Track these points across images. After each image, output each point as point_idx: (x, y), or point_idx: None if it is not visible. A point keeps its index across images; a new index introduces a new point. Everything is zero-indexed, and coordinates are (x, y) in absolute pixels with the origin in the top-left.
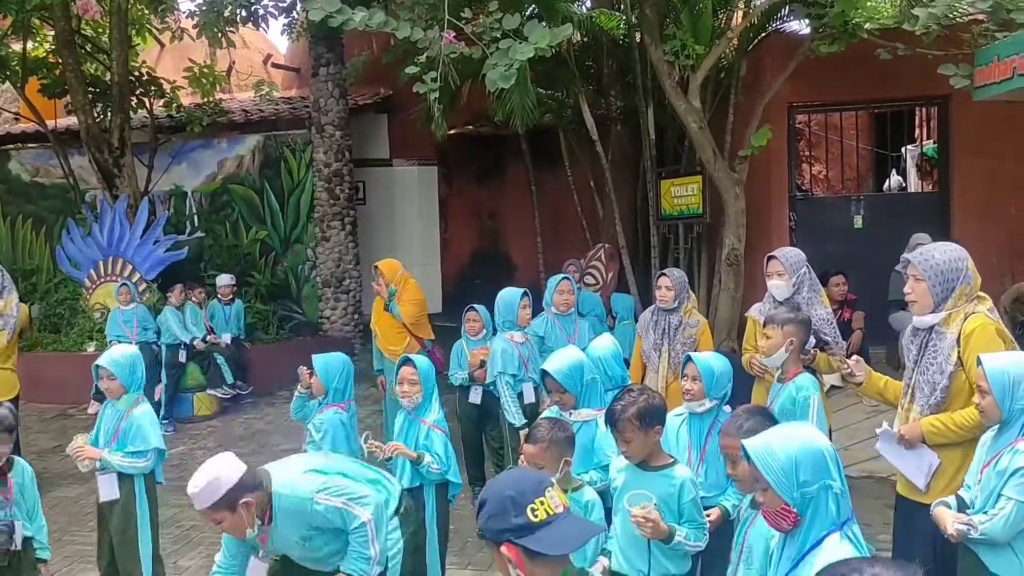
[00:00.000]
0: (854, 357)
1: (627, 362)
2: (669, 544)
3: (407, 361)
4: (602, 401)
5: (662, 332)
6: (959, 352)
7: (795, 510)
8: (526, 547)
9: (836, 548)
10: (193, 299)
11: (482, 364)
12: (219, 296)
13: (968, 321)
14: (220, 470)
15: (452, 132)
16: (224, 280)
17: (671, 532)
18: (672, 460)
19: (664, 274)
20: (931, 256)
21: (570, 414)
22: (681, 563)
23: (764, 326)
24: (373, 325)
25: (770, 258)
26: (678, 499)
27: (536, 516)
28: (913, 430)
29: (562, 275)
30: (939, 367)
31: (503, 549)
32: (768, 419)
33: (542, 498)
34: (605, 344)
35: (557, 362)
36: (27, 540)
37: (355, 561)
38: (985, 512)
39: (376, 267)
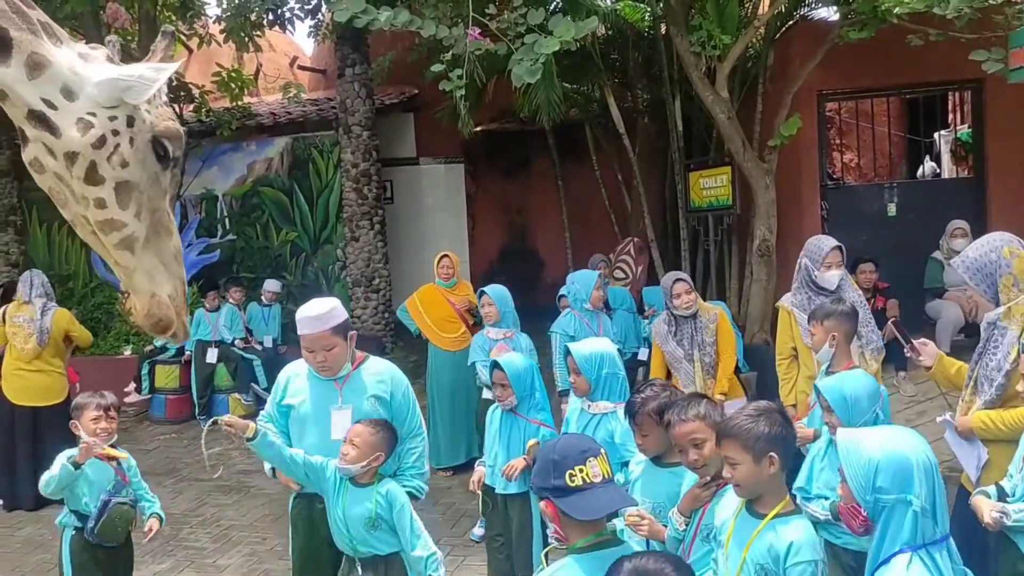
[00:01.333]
0: (921, 340)
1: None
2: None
3: (496, 365)
4: (622, 396)
5: (690, 340)
6: (1020, 350)
7: (865, 513)
8: (559, 506)
9: (903, 570)
10: (231, 300)
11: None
12: (262, 298)
13: None
14: (335, 302)
15: (478, 129)
16: (271, 286)
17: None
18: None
19: (680, 279)
20: (966, 256)
21: (588, 406)
22: None
23: (808, 322)
24: (419, 310)
25: (835, 248)
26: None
27: (572, 481)
28: (965, 423)
29: (597, 273)
30: (997, 364)
31: (542, 504)
32: (712, 406)
33: (582, 466)
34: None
35: (582, 345)
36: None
37: (412, 477)
38: None
39: (446, 255)
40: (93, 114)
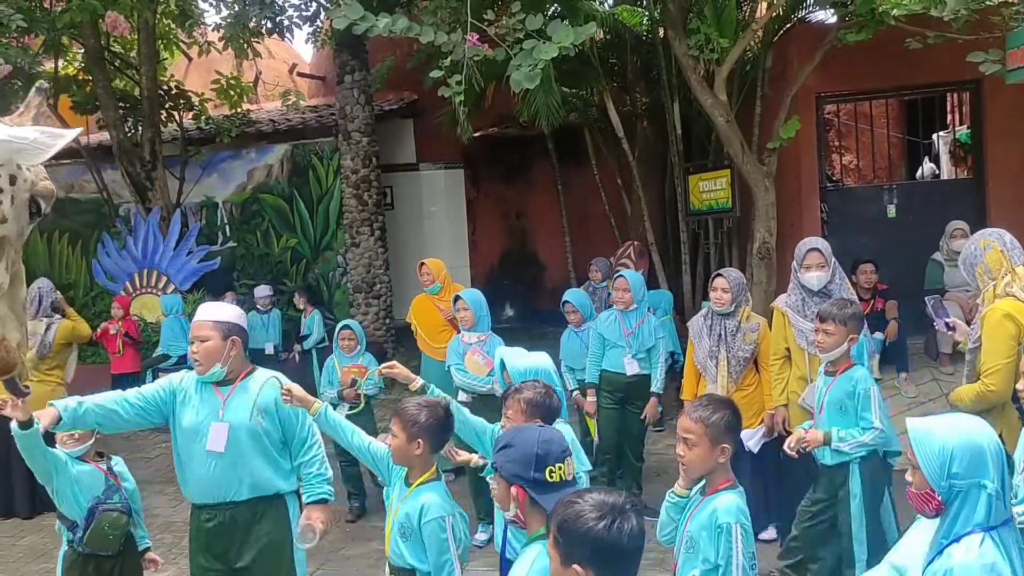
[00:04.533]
0: (953, 319)
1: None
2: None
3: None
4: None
5: (718, 338)
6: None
7: (939, 498)
8: (532, 497)
9: (974, 548)
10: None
11: (353, 383)
12: (258, 307)
13: (987, 304)
14: (239, 311)
15: (478, 134)
16: (262, 292)
17: None
18: None
19: (720, 275)
20: (962, 251)
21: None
22: None
23: (822, 322)
24: (413, 322)
25: (812, 250)
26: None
27: (552, 477)
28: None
29: (617, 274)
30: (972, 346)
31: (513, 490)
32: (734, 412)
33: (561, 464)
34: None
35: (517, 360)
36: (129, 534)
37: (320, 484)
38: None
39: (423, 263)
40: None
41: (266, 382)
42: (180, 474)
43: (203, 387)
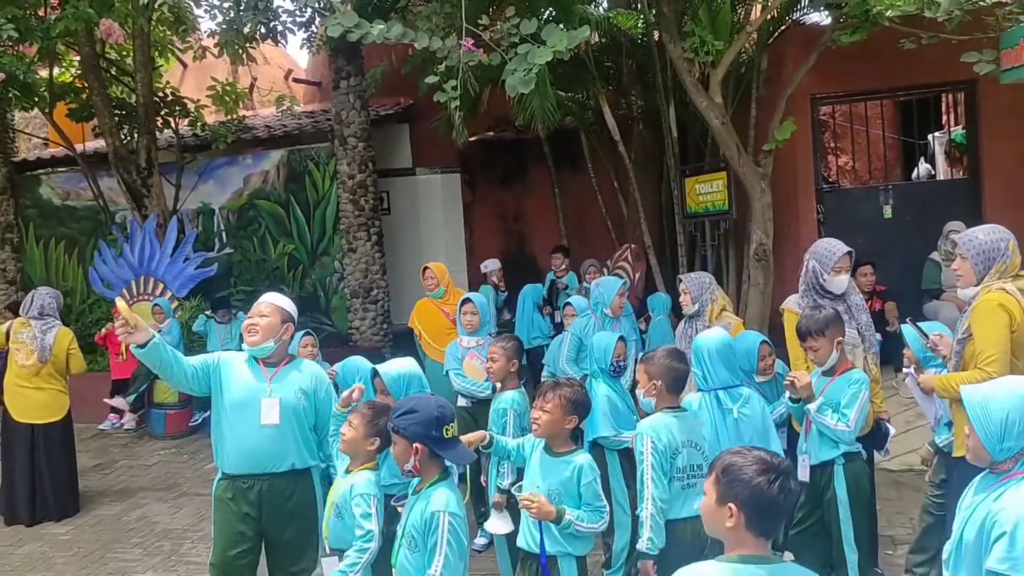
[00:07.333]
0: (937, 333)
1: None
2: (560, 525)
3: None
4: None
5: (689, 340)
6: (969, 323)
7: (991, 457)
8: (432, 450)
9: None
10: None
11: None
12: (493, 281)
13: (982, 295)
14: (293, 307)
15: (474, 138)
16: (492, 264)
17: (560, 514)
18: (575, 448)
19: (679, 279)
20: (975, 236)
21: None
22: (577, 543)
23: (804, 340)
24: (417, 327)
25: (848, 253)
26: (576, 483)
27: (447, 434)
28: (928, 381)
29: (621, 280)
30: (959, 336)
31: (417, 445)
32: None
33: (451, 424)
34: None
35: (389, 366)
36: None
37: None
38: None
39: (426, 267)
40: None
41: (315, 371)
42: (220, 445)
43: (251, 363)
